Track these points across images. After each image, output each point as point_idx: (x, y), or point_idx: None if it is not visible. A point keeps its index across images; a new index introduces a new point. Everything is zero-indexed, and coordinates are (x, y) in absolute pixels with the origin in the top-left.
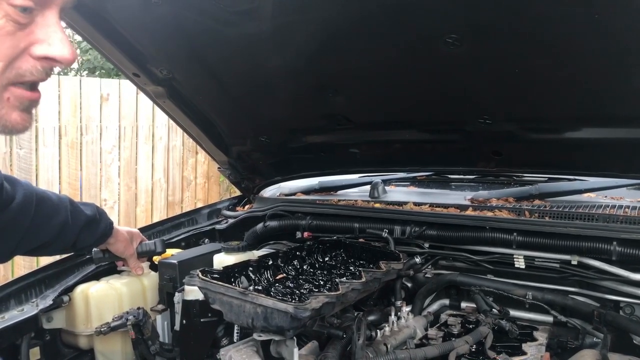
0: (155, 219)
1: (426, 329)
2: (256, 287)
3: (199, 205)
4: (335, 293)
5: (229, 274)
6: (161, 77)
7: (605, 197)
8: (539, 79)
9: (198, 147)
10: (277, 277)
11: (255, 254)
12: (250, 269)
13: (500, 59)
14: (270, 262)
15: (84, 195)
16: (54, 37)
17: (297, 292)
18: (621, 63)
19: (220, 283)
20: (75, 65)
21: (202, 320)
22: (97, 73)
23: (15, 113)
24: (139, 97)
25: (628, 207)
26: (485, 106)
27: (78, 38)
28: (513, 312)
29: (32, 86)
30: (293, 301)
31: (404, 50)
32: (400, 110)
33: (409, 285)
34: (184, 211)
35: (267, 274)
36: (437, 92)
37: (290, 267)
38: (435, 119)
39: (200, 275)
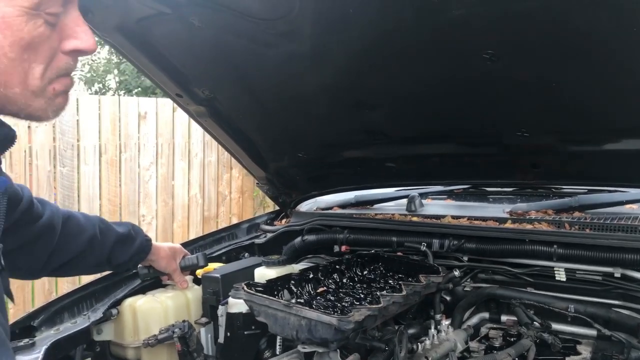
0: (192, 234)
1: (466, 343)
2: (298, 300)
3: (234, 219)
4: (377, 306)
5: (272, 287)
6: (203, 97)
7: None
8: (577, 91)
9: (232, 162)
10: (319, 291)
11: (295, 268)
12: (292, 282)
13: (537, 73)
14: (311, 276)
15: (123, 211)
16: (79, 31)
17: (339, 305)
18: None
19: (265, 296)
20: (113, 85)
21: (245, 332)
22: (134, 92)
23: (60, 99)
24: (175, 115)
25: None
26: (522, 119)
27: (115, 58)
28: (555, 326)
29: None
30: (336, 314)
31: (441, 66)
32: (437, 124)
33: (448, 298)
34: (219, 226)
35: (309, 287)
36: (474, 107)
37: (330, 281)
38: (472, 133)
39: (245, 288)
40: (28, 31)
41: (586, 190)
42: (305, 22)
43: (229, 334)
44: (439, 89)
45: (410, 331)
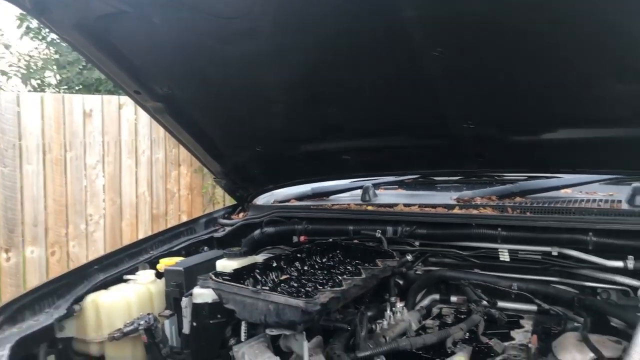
0: (141, 233)
1: (420, 322)
2: (264, 287)
3: (184, 217)
4: (340, 289)
5: (238, 275)
6: (161, 94)
7: (581, 192)
8: (518, 85)
9: (180, 159)
10: (282, 278)
11: (256, 259)
12: (257, 270)
13: (481, 68)
14: (275, 264)
15: (70, 211)
16: None
17: (303, 290)
18: (593, 70)
19: (233, 284)
20: (53, 82)
21: (211, 322)
22: (76, 89)
23: None
24: (121, 112)
25: (601, 200)
26: (468, 112)
27: (54, 54)
28: (500, 303)
29: None
30: (302, 297)
31: (393, 64)
32: (390, 118)
33: (401, 282)
34: (168, 224)
35: (273, 275)
36: (423, 101)
37: (292, 269)
38: (422, 126)
39: (213, 277)
40: None
41: (526, 177)
42: (264, 21)
43: (194, 324)
44: (391, 85)
45: (368, 314)
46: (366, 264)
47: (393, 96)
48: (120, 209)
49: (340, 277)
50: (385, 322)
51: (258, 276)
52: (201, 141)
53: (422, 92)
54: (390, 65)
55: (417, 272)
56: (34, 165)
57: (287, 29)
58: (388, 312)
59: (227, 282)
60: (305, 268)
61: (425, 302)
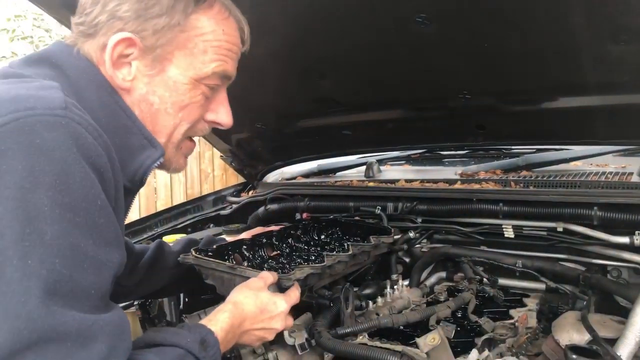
0: None
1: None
2: (250, 263)
3: None
4: (320, 265)
5: (222, 251)
6: None
7: (591, 165)
8: (509, 52)
9: None
10: (271, 255)
11: None
12: (245, 246)
13: (469, 35)
14: (265, 241)
15: None
16: (222, 109)
17: (288, 266)
18: (586, 33)
19: (211, 259)
20: None
21: (202, 297)
22: None
23: (182, 159)
24: None
25: (611, 173)
26: (463, 82)
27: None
28: (506, 281)
29: (192, 138)
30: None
31: (379, 31)
32: (384, 90)
33: (407, 260)
34: None
35: (262, 251)
36: (416, 71)
37: (285, 245)
38: (418, 97)
39: (194, 253)
40: (189, 97)
41: (534, 150)
42: None
43: (187, 299)
44: (378, 54)
45: (367, 291)
46: (365, 242)
47: (385, 68)
48: (154, 189)
49: (324, 253)
50: (380, 299)
51: (245, 252)
52: None
53: (412, 62)
54: (373, 34)
55: (423, 250)
56: None
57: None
58: (388, 289)
59: (205, 258)
60: (300, 245)
61: (432, 280)
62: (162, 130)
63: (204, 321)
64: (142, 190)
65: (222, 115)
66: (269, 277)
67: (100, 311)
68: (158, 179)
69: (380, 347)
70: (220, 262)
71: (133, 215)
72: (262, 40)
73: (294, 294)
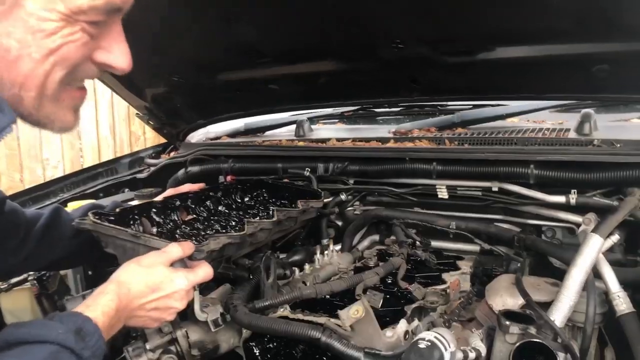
0: None
1: (352, 265)
2: (160, 229)
3: None
4: (239, 233)
5: (126, 216)
6: None
7: (528, 121)
8: None
9: None
10: (185, 219)
11: None
12: (154, 210)
13: None
14: (179, 203)
15: (24, 155)
16: (116, 47)
17: (204, 233)
18: None
19: (111, 225)
20: None
21: (108, 269)
22: None
23: (70, 113)
24: None
25: (548, 129)
26: (395, 29)
27: None
28: (440, 243)
29: (81, 85)
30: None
31: None
32: (310, 38)
33: (340, 223)
34: None
35: (175, 215)
36: (343, 16)
37: (202, 209)
38: (348, 47)
39: (92, 217)
40: (61, 36)
41: (471, 107)
42: None
43: (90, 272)
44: None
45: (295, 258)
46: (293, 205)
47: (307, 11)
48: (80, 153)
49: (245, 220)
50: (307, 267)
51: (155, 217)
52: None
53: (339, 6)
54: None
55: (356, 213)
56: None
57: None
58: (317, 255)
59: (105, 223)
60: (220, 208)
61: (365, 243)
62: (28, 82)
63: (81, 307)
64: (65, 155)
65: (116, 55)
66: (175, 251)
67: None
68: (84, 142)
69: (301, 321)
70: (122, 228)
71: None
72: None
73: (202, 271)
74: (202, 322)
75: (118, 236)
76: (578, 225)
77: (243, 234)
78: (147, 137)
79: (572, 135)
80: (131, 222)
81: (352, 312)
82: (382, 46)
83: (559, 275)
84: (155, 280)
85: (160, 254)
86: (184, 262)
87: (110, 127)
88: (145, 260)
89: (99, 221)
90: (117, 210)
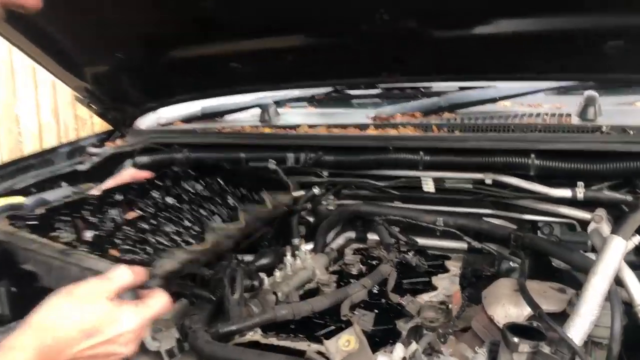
0: None
1: (327, 268)
2: (96, 232)
3: None
4: (199, 248)
5: (52, 217)
6: None
7: (522, 105)
8: None
9: None
10: (128, 218)
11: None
12: (89, 207)
13: None
14: (119, 198)
15: None
16: None
17: (152, 239)
18: None
19: (33, 236)
20: None
21: (35, 285)
22: None
23: None
24: None
25: (547, 114)
26: None
27: None
28: (424, 241)
29: None
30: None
31: None
32: (279, 7)
33: (311, 220)
34: None
35: (115, 213)
36: None
37: (148, 202)
38: (324, 18)
39: (8, 221)
40: None
41: (458, 89)
42: None
43: (13, 289)
44: None
45: (263, 262)
46: (254, 196)
47: None
48: (20, 138)
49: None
50: (278, 273)
51: (90, 217)
52: (46, 48)
53: None
54: None
55: (329, 208)
56: None
57: None
58: (288, 257)
59: (26, 230)
60: (169, 201)
61: (339, 241)
62: None
63: None
64: (2, 140)
65: None
66: (123, 277)
67: None
68: (23, 127)
69: (276, 348)
70: (46, 241)
71: None
72: None
73: (156, 302)
74: (154, 352)
75: (40, 251)
76: (581, 221)
77: (204, 249)
78: (95, 122)
79: (575, 120)
80: (56, 228)
81: (342, 344)
82: (365, 18)
83: (558, 277)
84: (93, 321)
85: (102, 282)
86: (133, 291)
87: (53, 111)
88: (79, 291)
89: (13, 228)
90: (41, 211)
